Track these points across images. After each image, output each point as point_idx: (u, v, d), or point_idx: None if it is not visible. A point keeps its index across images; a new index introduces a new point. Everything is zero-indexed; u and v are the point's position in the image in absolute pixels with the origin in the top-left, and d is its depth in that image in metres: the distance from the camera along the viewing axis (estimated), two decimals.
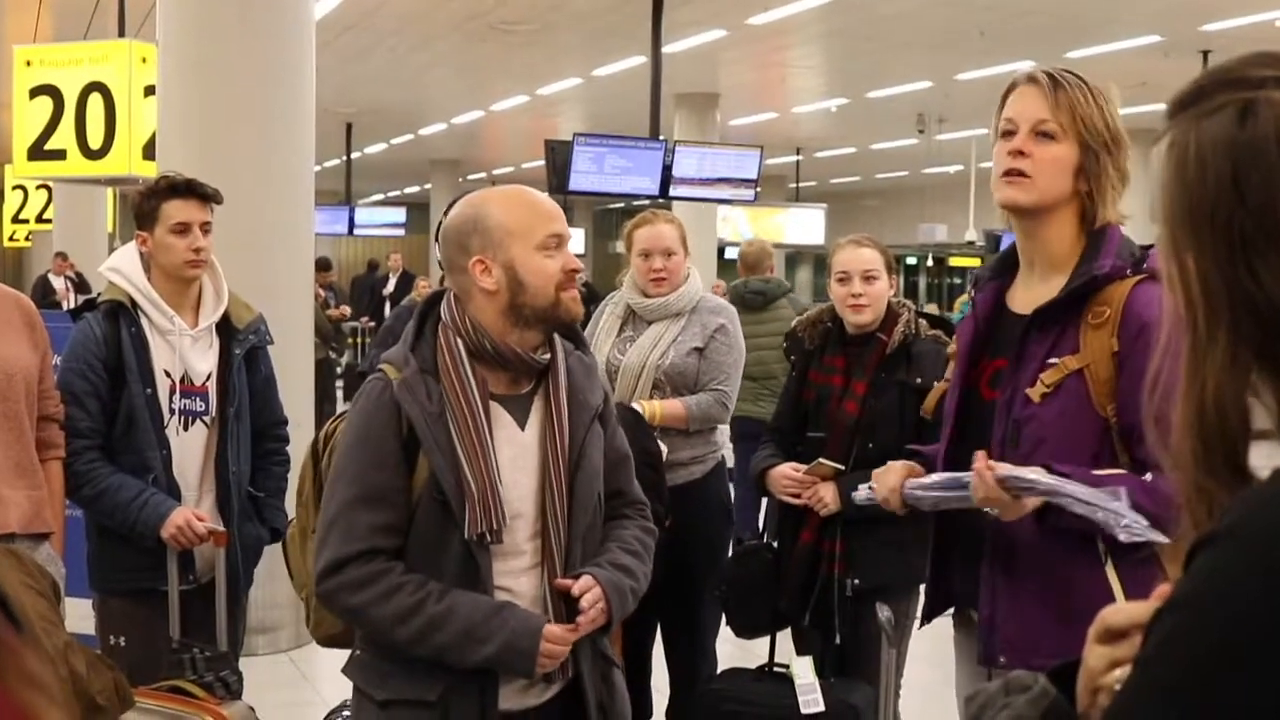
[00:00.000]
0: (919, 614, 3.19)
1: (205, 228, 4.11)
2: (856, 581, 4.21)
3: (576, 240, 27.34)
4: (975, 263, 30.42)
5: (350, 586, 2.78)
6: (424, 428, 2.76)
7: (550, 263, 2.80)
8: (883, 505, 3.02)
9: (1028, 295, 2.82)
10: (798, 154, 26.52)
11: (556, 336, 2.94)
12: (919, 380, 4.17)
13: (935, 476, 2.87)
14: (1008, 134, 2.76)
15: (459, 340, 2.83)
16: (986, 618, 2.81)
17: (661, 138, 12.52)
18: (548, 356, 2.89)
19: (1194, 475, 1.19)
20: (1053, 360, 2.67)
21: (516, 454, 2.83)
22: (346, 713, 3.49)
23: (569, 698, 2.90)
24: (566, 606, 2.81)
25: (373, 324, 17.65)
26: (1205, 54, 15.47)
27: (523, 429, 2.87)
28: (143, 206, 4.15)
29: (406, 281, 19.41)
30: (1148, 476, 2.57)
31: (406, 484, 2.80)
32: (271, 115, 6.86)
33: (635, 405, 4.55)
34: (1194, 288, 1.17)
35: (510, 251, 2.80)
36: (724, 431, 4.91)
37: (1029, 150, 2.71)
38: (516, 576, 2.82)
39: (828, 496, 4.22)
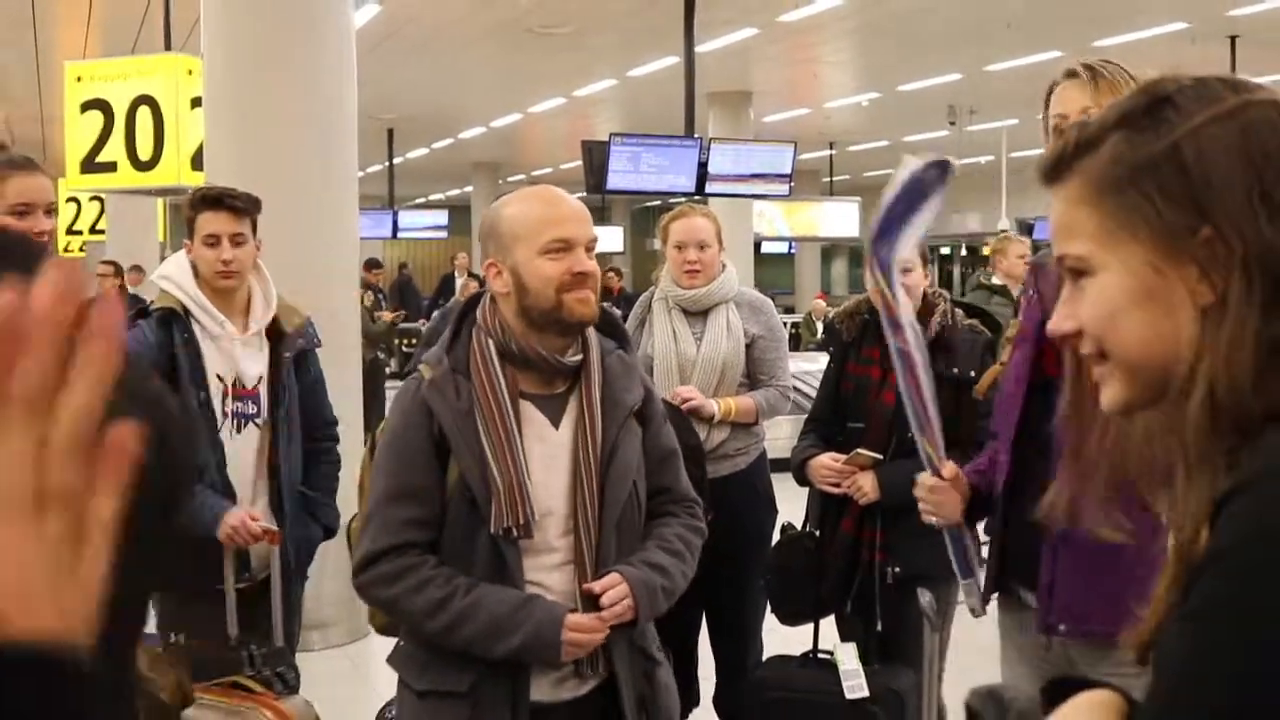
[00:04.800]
0: (958, 599, 3.20)
1: (236, 239, 4.08)
2: (897, 569, 4.20)
3: (614, 238, 27.50)
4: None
5: (383, 580, 2.82)
6: (451, 426, 2.79)
7: (552, 266, 2.78)
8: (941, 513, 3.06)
9: None
10: (830, 148, 26.45)
11: (595, 335, 2.93)
12: (955, 370, 4.16)
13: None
14: (1059, 130, 2.76)
15: (490, 340, 2.85)
16: (1046, 585, 2.82)
17: (696, 135, 12.52)
18: (578, 357, 2.88)
19: (1204, 443, 1.19)
20: None
21: (549, 452, 2.84)
22: None
23: (607, 694, 2.88)
24: (595, 604, 2.80)
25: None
26: (1233, 39, 15.35)
27: (556, 428, 2.86)
28: (186, 216, 4.19)
29: (448, 282, 19.48)
30: None
31: (440, 480, 2.82)
32: (315, 123, 6.89)
33: (715, 403, 4.60)
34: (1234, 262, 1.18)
35: (515, 255, 2.82)
36: (765, 424, 4.92)
37: None
38: (548, 572, 2.83)
39: (867, 485, 4.22)
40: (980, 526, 3.23)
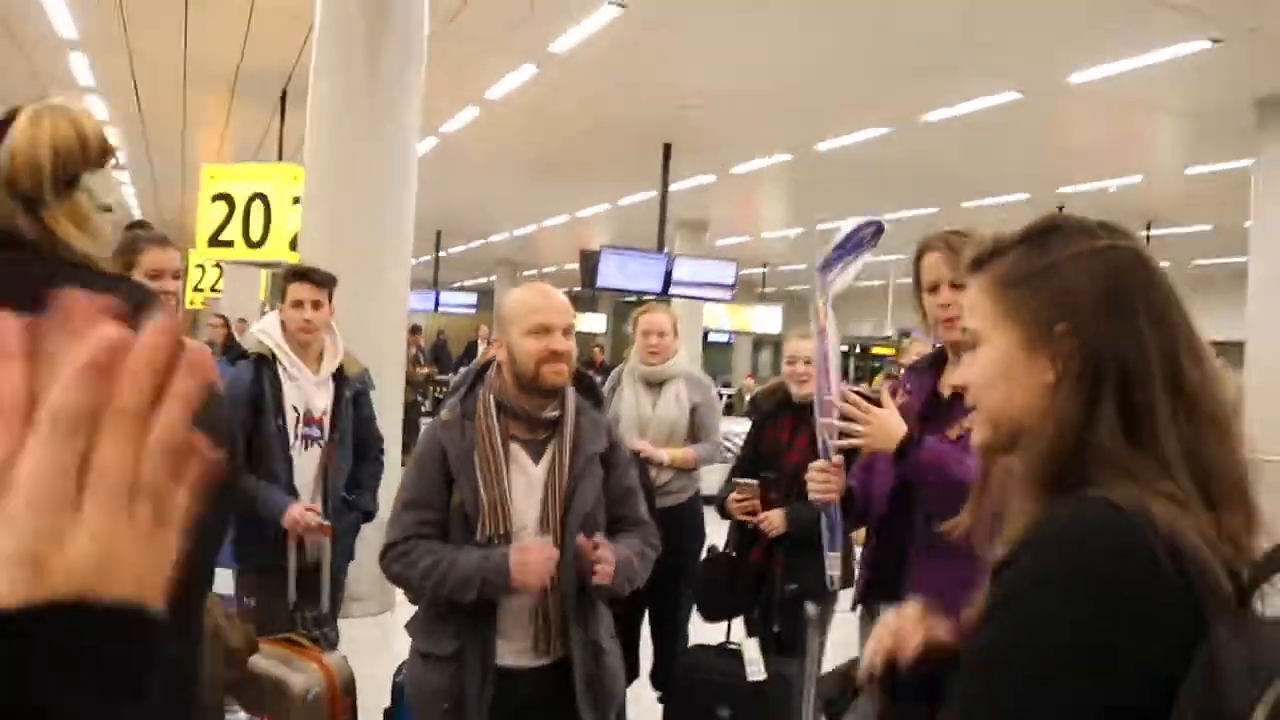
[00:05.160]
0: (836, 608, 3.15)
1: (315, 305, 4.08)
2: (793, 586, 4.16)
3: (599, 323, 27.36)
4: (891, 351, 30.44)
5: (395, 559, 2.80)
6: (454, 459, 2.79)
7: (532, 344, 2.76)
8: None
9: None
10: (764, 266, 26.60)
11: (573, 397, 2.90)
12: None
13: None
14: (933, 288, 2.75)
15: (491, 396, 2.84)
16: (911, 594, 2.70)
17: (665, 251, 12.57)
18: (556, 413, 2.85)
19: (1028, 493, 1.18)
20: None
21: (528, 482, 2.81)
22: None
23: (562, 670, 2.82)
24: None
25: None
26: (1060, 208, 15.55)
27: (536, 464, 2.83)
28: (279, 285, 4.17)
29: (472, 348, 19.41)
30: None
31: (446, 497, 2.80)
32: (383, 222, 6.90)
33: (664, 453, 4.58)
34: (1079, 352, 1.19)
35: (510, 333, 2.81)
36: (701, 469, 4.90)
37: (950, 300, 2.70)
38: None
39: (776, 521, 4.19)
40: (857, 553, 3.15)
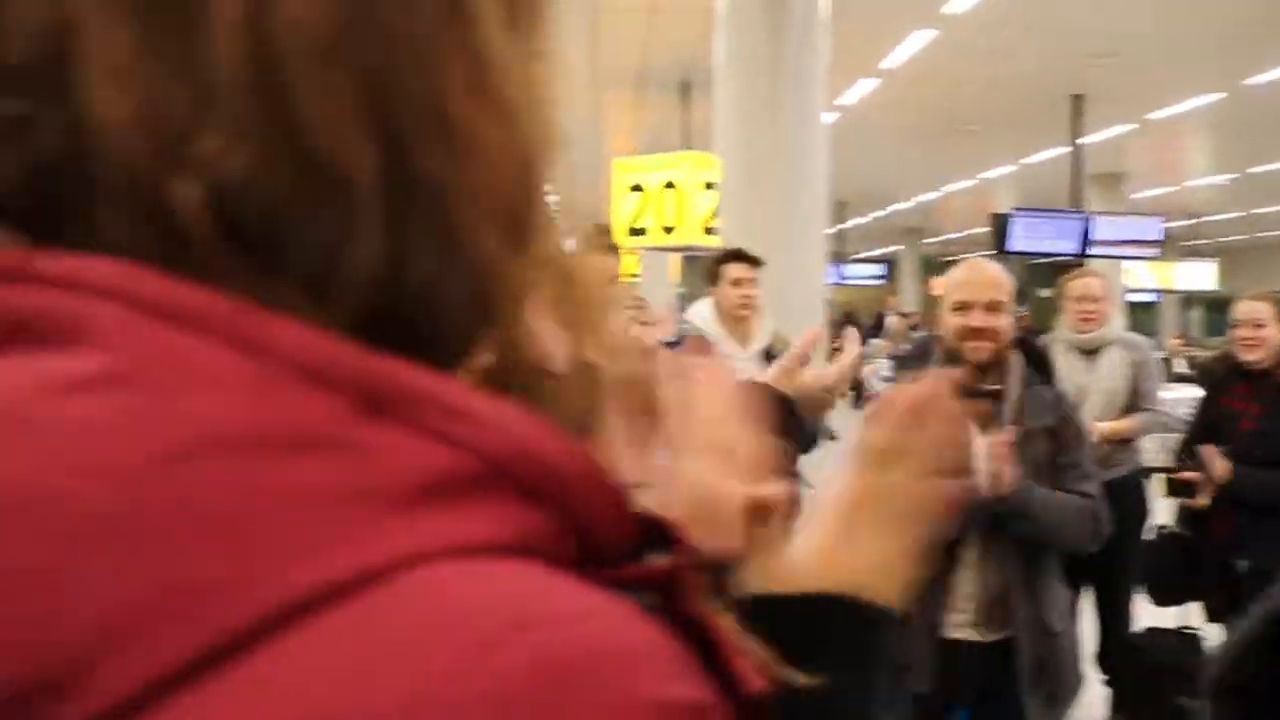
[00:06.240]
0: None
1: (752, 283, 4.23)
2: (1244, 562, 3.83)
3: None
4: None
5: None
6: None
7: (955, 320, 2.82)
8: None
9: None
10: (1190, 218, 24.49)
11: (1018, 371, 2.84)
12: None
13: None
14: None
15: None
16: None
17: (1081, 209, 11.94)
18: (996, 387, 2.81)
19: None
20: None
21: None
22: None
23: (1008, 650, 2.74)
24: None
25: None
26: None
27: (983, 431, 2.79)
28: (712, 268, 4.34)
29: (880, 320, 19.31)
30: None
31: None
32: (796, 198, 6.95)
33: (1104, 425, 4.36)
34: None
35: (944, 309, 2.89)
36: (1145, 441, 4.64)
37: None
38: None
39: (1196, 475, 3.93)
40: None
